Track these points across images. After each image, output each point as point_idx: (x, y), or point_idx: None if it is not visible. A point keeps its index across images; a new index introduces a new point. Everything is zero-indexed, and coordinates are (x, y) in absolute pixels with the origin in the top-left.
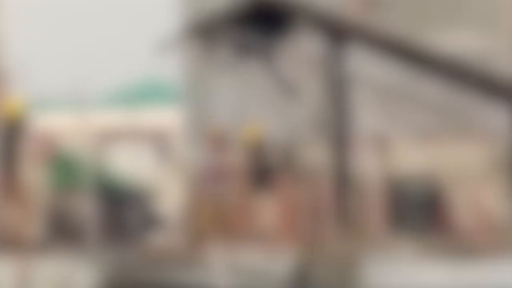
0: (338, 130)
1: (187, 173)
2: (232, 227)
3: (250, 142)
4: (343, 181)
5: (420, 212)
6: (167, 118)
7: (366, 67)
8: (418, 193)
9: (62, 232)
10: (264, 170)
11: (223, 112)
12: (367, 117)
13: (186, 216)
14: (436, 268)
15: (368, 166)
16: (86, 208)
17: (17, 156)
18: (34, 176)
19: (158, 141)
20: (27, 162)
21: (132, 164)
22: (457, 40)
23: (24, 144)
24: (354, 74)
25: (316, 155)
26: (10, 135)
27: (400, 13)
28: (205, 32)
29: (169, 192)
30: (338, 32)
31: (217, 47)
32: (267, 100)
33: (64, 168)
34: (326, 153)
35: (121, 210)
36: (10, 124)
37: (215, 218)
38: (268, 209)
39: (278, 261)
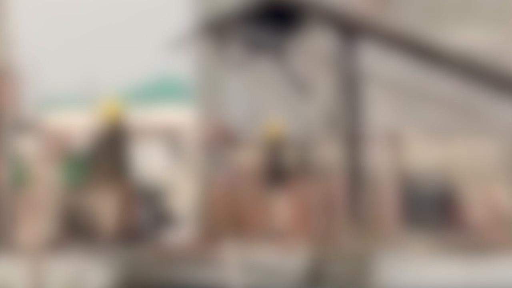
0: (351, 127)
1: (200, 171)
2: (246, 225)
3: (269, 140)
4: (356, 178)
5: (433, 209)
6: (179, 116)
7: (378, 64)
8: (431, 190)
9: (75, 230)
10: (281, 168)
11: (236, 110)
12: (379, 114)
13: (199, 214)
14: (449, 265)
15: (381, 163)
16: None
17: (124, 155)
18: (48, 175)
19: (170, 139)
20: (39, 161)
21: (144, 162)
22: (469, 37)
23: (129, 141)
24: (367, 70)
25: (329, 152)
26: (113, 134)
27: (412, 9)
28: (218, 30)
29: (182, 190)
30: (350, 29)
31: (229, 44)
32: (279, 98)
33: (77, 166)
34: (339, 150)
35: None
36: (111, 124)
37: (229, 216)
38: (282, 207)
39: (291, 258)
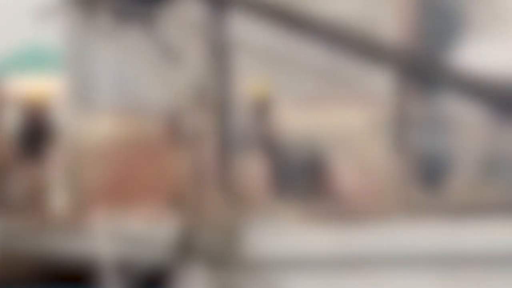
0: (220, 95)
1: (68, 140)
2: (117, 194)
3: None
4: (225, 147)
5: (304, 177)
6: (47, 86)
7: (248, 32)
8: (302, 158)
9: None
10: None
11: (105, 79)
12: (249, 82)
13: (70, 183)
14: (320, 233)
15: (250, 131)
16: None
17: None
18: None
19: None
20: None
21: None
22: (338, 5)
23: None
24: (236, 38)
25: (198, 121)
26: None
27: None
28: None
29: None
30: None
31: (98, 13)
32: (149, 66)
33: None
34: (208, 119)
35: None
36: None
37: (101, 183)
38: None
39: (161, 228)
